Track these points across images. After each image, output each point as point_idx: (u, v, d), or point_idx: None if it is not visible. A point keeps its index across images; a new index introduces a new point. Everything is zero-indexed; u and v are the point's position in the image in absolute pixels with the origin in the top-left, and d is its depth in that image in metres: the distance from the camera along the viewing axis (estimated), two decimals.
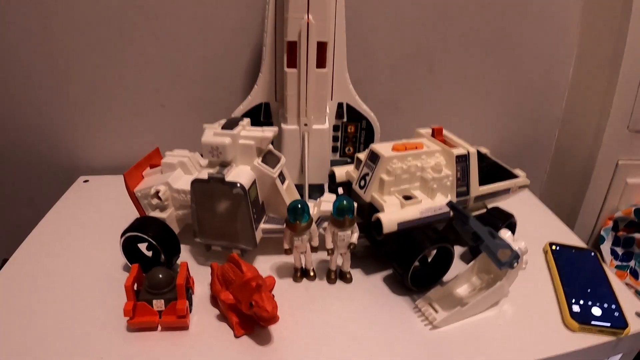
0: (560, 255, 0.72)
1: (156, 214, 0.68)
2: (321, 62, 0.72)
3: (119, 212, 0.72)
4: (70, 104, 0.91)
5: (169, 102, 0.92)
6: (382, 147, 0.67)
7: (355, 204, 0.62)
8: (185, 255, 0.69)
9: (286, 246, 0.63)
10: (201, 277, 0.64)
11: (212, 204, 0.64)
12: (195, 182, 0.63)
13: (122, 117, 0.93)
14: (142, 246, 0.66)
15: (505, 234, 0.61)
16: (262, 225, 0.67)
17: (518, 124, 1.02)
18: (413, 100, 0.95)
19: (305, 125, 0.75)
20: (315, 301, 0.63)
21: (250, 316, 0.56)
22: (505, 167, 0.76)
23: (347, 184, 0.72)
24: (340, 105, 0.78)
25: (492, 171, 0.74)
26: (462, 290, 0.64)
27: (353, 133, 0.81)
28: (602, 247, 0.95)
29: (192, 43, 0.88)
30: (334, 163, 0.79)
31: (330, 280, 0.66)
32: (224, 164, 0.65)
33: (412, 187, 0.67)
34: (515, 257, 0.59)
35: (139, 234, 0.63)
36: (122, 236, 0.64)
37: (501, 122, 1.01)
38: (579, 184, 0.98)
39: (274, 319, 0.55)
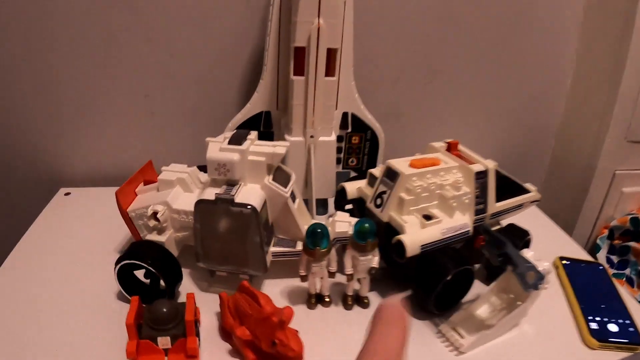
0: (572, 271, 0.68)
1: (153, 236, 0.59)
2: (330, 70, 0.65)
3: (108, 229, 0.64)
4: (49, 108, 0.80)
5: (160, 109, 0.82)
6: (399, 164, 0.60)
7: None
8: (186, 280, 0.60)
9: (302, 272, 0.56)
10: (205, 306, 0.56)
11: (219, 226, 0.56)
12: (201, 203, 0.55)
13: (108, 124, 0.82)
14: (139, 272, 0.57)
15: (527, 253, 0.57)
16: (272, 249, 0.59)
17: (516, 133, 0.97)
18: (415, 110, 0.89)
19: (312, 137, 0.67)
20: (332, 329, 0.56)
21: (269, 353, 0.49)
22: (516, 181, 0.71)
23: (358, 201, 0.65)
24: (345, 115, 0.71)
25: (503, 186, 0.70)
26: (483, 311, 0.59)
27: (357, 144, 0.74)
28: (598, 255, 0.93)
29: (186, 44, 0.78)
30: (339, 176, 0.73)
31: (347, 306, 0.59)
32: (231, 183, 0.57)
33: (430, 206, 0.61)
34: (540, 279, 0.54)
35: (136, 262, 0.55)
36: (116, 264, 0.55)
37: (499, 131, 0.96)
38: (576, 193, 0.95)
39: (300, 358, 0.49)
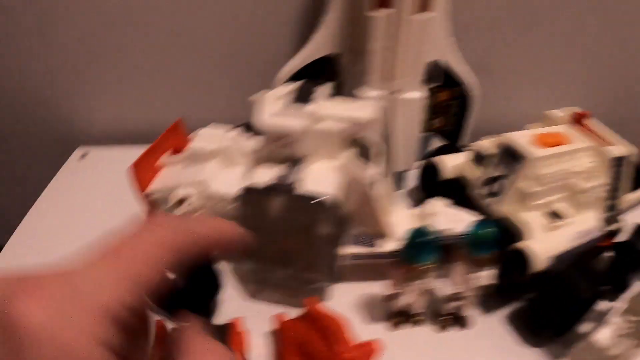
0: None
1: None
2: (427, 2, 0.45)
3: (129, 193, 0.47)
4: (59, 52, 0.59)
5: (191, 53, 0.59)
6: (521, 140, 0.42)
7: None
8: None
9: (394, 290, 0.39)
10: (251, 320, 0.39)
11: (276, 219, 0.38)
12: (252, 191, 0.37)
13: (128, 72, 0.61)
14: None
15: None
16: (348, 250, 0.42)
17: (622, 101, 0.75)
18: (507, 64, 0.64)
19: (395, 92, 0.48)
20: (421, 354, 0.40)
21: None
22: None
23: (454, 183, 0.47)
24: (433, 64, 0.51)
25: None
26: (604, 336, 0.43)
27: (445, 101, 0.54)
28: None
29: None
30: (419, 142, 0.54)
31: (442, 327, 0.42)
32: (293, 160, 0.38)
33: (556, 200, 0.43)
34: None
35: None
36: None
37: (603, 97, 0.73)
38: None
39: None
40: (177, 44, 0.58)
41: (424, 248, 0.36)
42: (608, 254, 0.47)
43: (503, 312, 0.44)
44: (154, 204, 0.42)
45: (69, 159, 0.62)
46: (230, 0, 0.56)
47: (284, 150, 0.38)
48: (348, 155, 0.38)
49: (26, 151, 0.68)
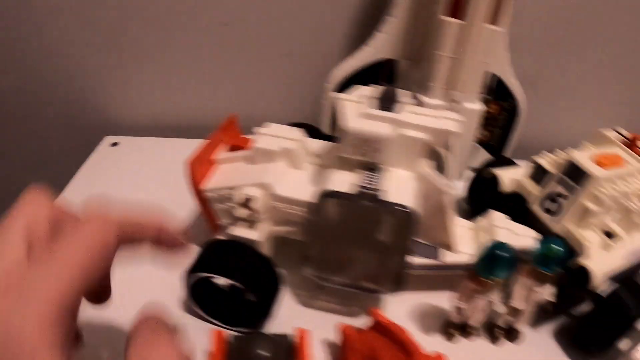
0: None
1: (241, 230, 0.39)
2: (496, 16, 0.44)
3: (164, 187, 0.44)
4: (91, 36, 0.55)
5: (241, 45, 0.55)
6: (584, 159, 0.42)
7: None
8: None
9: (462, 305, 0.38)
10: (309, 325, 0.37)
11: (348, 227, 0.37)
12: (333, 196, 0.35)
13: (170, 60, 0.57)
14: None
15: None
16: (414, 260, 0.40)
17: None
18: (555, 82, 0.63)
19: (455, 102, 0.47)
20: None
21: None
22: None
23: (511, 198, 0.47)
24: (489, 77, 0.50)
25: None
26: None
27: (495, 114, 0.53)
28: None
29: None
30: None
31: (493, 340, 0.41)
32: (371, 167, 0.37)
33: (610, 220, 0.43)
34: None
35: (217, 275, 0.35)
36: (188, 276, 0.36)
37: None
38: None
39: None
40: (227, 32, 0.54)
41: (499, 262, 0.35)
42: None
43: (550, 327, 0.44)
44: (208, 201, 0.40)
45: (98, 147, 0.58)
46: None
47: (363, 157, 0.36)
48: (425, 165, 0.37)
49: (57, 139, 0.64)
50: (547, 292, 0.39)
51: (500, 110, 0.53)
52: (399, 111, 0.36)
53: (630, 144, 0.47)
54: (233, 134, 0.44)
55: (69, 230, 0.22)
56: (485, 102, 0.51)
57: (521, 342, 0.42)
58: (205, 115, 0.44)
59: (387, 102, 0.36)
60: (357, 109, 0.36)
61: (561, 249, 0.36)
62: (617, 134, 0.48)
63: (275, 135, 0.40)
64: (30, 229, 0.22)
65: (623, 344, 0.43)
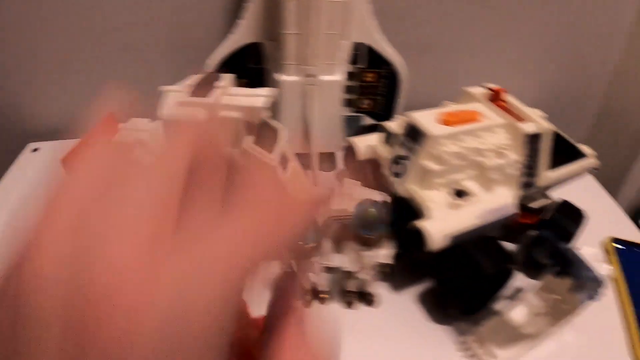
0: (627, 259, 0.50)
1: None
2: None
3: None
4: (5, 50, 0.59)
5: (133, 45, 0.59)
6: (425, 119, 0.42)
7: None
8: None
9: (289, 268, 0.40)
10: None
11: None
12: None
13: (73, 66, 0.61)
14: None
15: (589, 251, 0.40)
16: None
17: (562, 72, 0.73)
18: (446, 43, 0.64)
19: (311, 76, 0.48)
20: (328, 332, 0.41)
21: None
22: (569, 140, 0.52)
23: (373, 164, 0.47)
24: (357, 46, 0.51)
25: (554, 146, 0.51)
26: (518, 315, 0.43)
27: (372, 82, 0.54)
28: None
29: None
30: (350, 122, 0.54)
31: (348, 304, 0.43)
32: None
33: (464, 178, 0.43)
34: (600, 287, 0.38)
35: None
36: None
37: (542, 68, 0.72)
38: (629, 150, 0.73)
39: None
40: (119, 35, 0.58)
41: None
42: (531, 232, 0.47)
43: (414, 290, 0.45)
44: None
45: (20, 155, 0.62)
46: None
47: None
48: (249, 141, 0.40)
49: None
50: (381, 255, 0.40)
51: (377, 78, 0.53)
52: (215, 96, 0.39)
53: (494, 97, 0.46)
54: (112, 129, 0.48)
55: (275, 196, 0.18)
56: (361, 71, 0.52)
57: (378, 305, 0.43)
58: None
59: (202, 88, 0.39)
60: (176, 98, 0.39)
61: (374, 212, 0.37)
62: (484, 89, 0.47)
63: (133, 129, 0.44)
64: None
65: (497, 305, 0.44)
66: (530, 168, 0.45)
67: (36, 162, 0.60)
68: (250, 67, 0.51)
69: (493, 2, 0.62)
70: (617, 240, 0.52)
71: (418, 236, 0.39)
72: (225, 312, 0.15)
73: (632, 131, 0.73)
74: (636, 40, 0.70)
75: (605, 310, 0.46)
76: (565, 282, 0.40)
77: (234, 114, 0.38)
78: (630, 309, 0.45)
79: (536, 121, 0.43)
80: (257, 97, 0.39)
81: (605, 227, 0.54)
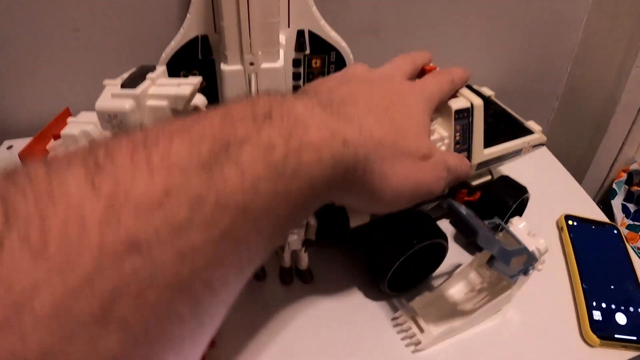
0: (579, 235, 0.50)
1: None
2: None
3: None
4: None
5: (92, 44, 0.61)
6: None
7: None
8: None
9: None
10: None
11: None
12: None
13: (39, 66, 0.63)
14: None
15: (518, 224, 0.40)
16: None
17: (524, 56, 0.72)
18: (398, 25, 0.64)
19: (252, 64, 0.50)
20: (265, 309, 0.42)
21: None
22: (515, 117, 0.51)
23: None
24: (300, 33, 0.52)
25: (498, 123, 0.50)
26: (456, 291, 0.43)
27: (319, 68, 0.55)
28: (613, 202, 0.73)
29: None
30: None
31: (285, 281, 0.45)
32: None
33: None
34: (531, 263, 0.38)
35: None
36: None
37: (504, 53, 0.71)
38: (592, 130, 0.72)
39: None
40: (79, 35, 0.60)
41: None
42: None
43: (352, 268, 0.46)
44: None
45: None
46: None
47: (117, 129, 0.41)
48: None
49: None
50: (308, 232, 0.41)
51: (325, 64, 0.54)
52: (144, 86, 0.41)
53: (421, 74, 0.46)
54: (64, 123, 0.51)
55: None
56: (306, 57, 0.53)
57: (313, 283, 0.44)
58: (79, 104, 0.50)
59: (132, 81, 0.41)
60: (110, 90, 0.41)
61: None
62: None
63: (79, 121, 0.47)
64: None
65: (433, 281, 0.45)
66: (463, 143, 0.45)
67: (10, 159, 0.63)
68: (200, 59, 0.53)
69: None
70: (569, 217, 0.52)
71: (339, 216, 0.40)
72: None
73: (595, 108, 0.71)
74: (595, 18, 0.68)
75: (556, 285, 0.46)
76: (485, 255, 0.40)
77: (161, 103, 0.41)
78: (578, 284, 0.45)
79: (465, 96, 0.44)
80: (184, 86, 0.41)
81: (565, 205, 0.54)
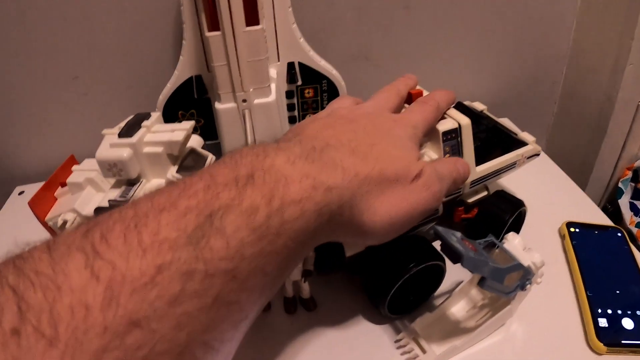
0: (582, 241, 0.49)
1: None
2: (252, 18, 0.47)
3: None
4: None
5: (92, 90, 0.63)
6: None
7: None
8: None
9: None
10: None
11: None
12: (98, 211, 0.43)
13: (44, 113, 0.65)
14: None
15: (514, 240, 0.40)
16: None
17: (517, 65, 0.71)
18: (388, 48, 0.65)
19: (244, 101, 0.51)
20: (272, 339, 0.43)
21: None
22: (507, 130, 0.51)
23: None
24: (290, 65, 0.53)
25: (491, 138, 0.50)
26: (458, 309, 0.43)
27: (312, 97, 0.56)
28: (620, 201, 0.70)
29: (104, 16, 0.58)
30: None
31: (290, 311, 0.45)
32: (132, 182, 0.44)
33: None
34: (527, 278, 0.38)
35: None
36: None
37: (497, 64, 0.71)
38: (592, 131, 0.71)
39: None
40: (79, 83, 0.62)
41: None
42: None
43: (353, 294, 0.46)
44: (52, 229, 0.50)
45: (9, 199, 0.66)
46: (115, 41, 0.60)
47: (118, 176, 0.43)
48: (172, 171, 0.43)
49: None
50: (306, 262, 0.41)
51: (317, 92, 0.55)
52: (140, 134, 0.42)
53: (408, 100, 0.47)
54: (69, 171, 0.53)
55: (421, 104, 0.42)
56: (299, 88, 0.54)
57: (317, 310, 0.44)
58: (86, 149, 0.51)
59: (129, 129, 0.43)
60: (109, 140, 0.43)
61: None
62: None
63: (83, 169, 0.49)
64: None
65: (434, 300, 0.45)
66: None
67: (22, 204, 0.65)
68: (196, 98, 0.55)
69: (428, 4, 0.62)
70: (571, 224, 0.51)
71: (334, 246, 0.41)
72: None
73: (594, 108, 0.71)
74: (585, 19, 0.68)
75: (559, 295, 0.45)
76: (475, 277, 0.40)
77: (157, 149, 0.42)
78: (582, 291, 0.44)
79: (453, 117, 0.44)
80: (177, 132, 0.42)
81: (567, 211, 0.54)
